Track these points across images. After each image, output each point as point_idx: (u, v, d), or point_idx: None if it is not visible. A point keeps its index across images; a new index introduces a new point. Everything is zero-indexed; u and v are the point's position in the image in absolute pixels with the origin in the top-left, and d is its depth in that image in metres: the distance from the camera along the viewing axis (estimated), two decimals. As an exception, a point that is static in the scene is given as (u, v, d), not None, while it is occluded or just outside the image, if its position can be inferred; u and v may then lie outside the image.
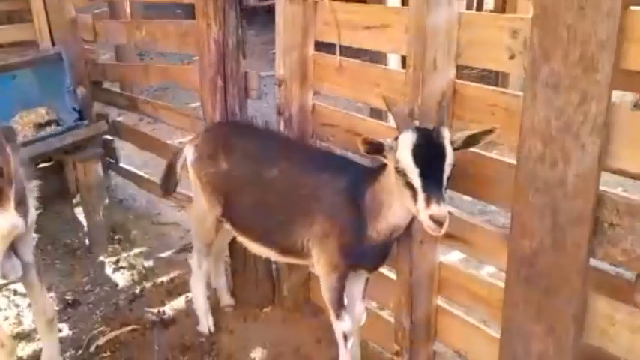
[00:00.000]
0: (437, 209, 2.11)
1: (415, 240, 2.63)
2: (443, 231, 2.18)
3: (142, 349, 3.32)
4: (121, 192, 5.48)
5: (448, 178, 2.23)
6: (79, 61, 4.70)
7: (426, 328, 2.85)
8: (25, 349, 3.31)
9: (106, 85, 5.20)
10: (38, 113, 4.70)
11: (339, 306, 2.79)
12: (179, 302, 3.75)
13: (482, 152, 2.47)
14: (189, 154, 3.18)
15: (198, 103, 3.59)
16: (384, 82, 2.81)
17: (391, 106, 2.33)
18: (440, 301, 2.84)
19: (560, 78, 1.70)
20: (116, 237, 4.62)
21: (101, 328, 3.48)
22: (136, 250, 4.43)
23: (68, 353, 3.28)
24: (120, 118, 5.59)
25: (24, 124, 4.62)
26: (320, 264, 2.77)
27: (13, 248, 2.68)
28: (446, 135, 2.23)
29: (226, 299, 3.67)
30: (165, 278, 4.03)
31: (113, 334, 3.43)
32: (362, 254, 2.67)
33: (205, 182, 3.09)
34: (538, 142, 1.79)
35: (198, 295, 3.44)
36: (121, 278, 4.05)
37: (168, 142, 4.76)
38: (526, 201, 1.86)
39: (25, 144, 3.95)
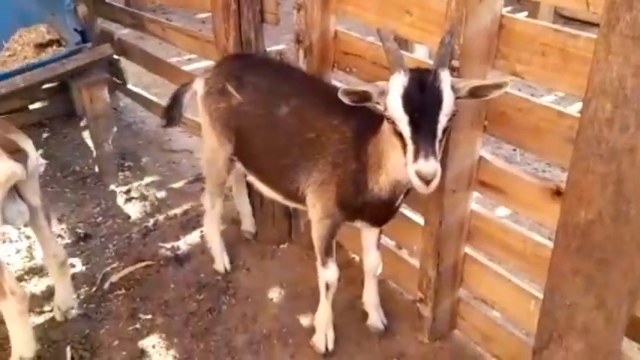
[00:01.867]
0: (424, 165, 1.90)
1: (447, 189, 2.44)
2: (430, 189, 1.98)
3: (157, 286, 3.24)
4: (129, 114, 5.27)
5: (445, 130, 1.99)
6: (78, -27, 4.33)
7: (452, 276, 2.73)
8: (39, 284, 3.25)
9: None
10: (38, 32, 4.41)
11: (327, 254, 2.66)
12: (193, 237, 3.64)
13: (530, 97, 2.22)
14: (199, 87, 2.94)
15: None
16: (417, 10, 2.51)
17: (384, 41, 2.04)
18: (468, 250, 2.71)
19: (645, 29, 1.43)
20: (126, 164, 4.46)
21: (114, 265, 3.39)
22: (148, 180, 4.28)
23: (82, 290, 3.21)
24: (124, 32, 5.24)
25: (24, 43, 4.36)
26: (314, 209, 2.60)
27: (18, 194, 2.53)
28: (445, 79, 1.97)
29: (248, 224, 3.54)
30: (178, 211, 3.90)
31: (127, 270, 3.34)
32: (361, 208, 2.48)
33: (215, 118, 2.88)
34: (608, 103, 1.53)
35: (212, 234, 3.32)
36: (133, 210, 3.93)
37: (173, 60, 4.48)
38: (586, 167, 1.64)
39: (25, 69, 3.70)
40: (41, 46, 4.28)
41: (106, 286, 3.24)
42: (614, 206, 1.63)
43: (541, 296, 2.38)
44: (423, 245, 2.65)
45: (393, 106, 1.96)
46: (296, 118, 2.61)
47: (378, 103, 2.09)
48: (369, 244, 2.78)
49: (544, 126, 2.15)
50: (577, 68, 1.97)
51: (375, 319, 2.91)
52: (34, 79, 3.64)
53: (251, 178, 2.93)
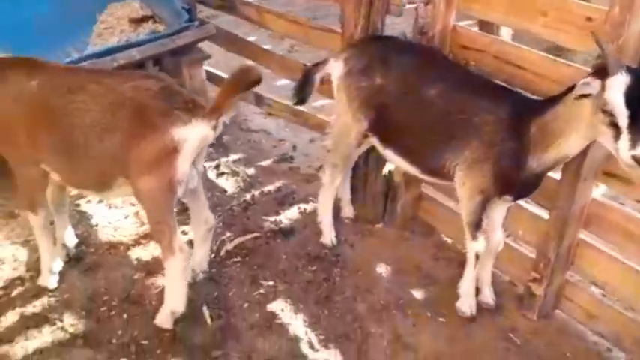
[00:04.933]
0: None
1: (581, 177, 2.67)
2: None
3: (269, 256, 3.42)
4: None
5: None
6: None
7: (565, 258, 2.96)
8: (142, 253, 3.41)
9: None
10: (132, 7, 4.56)
11: (476, 228, 2.90)
12: (292, 213, 3.82)
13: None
14: (336, 67, 3.13)
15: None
16: (553, 12, 2.71)
17: (604, 45, 2.28)
18: (581, 234, 2.94)
19: None
20: (208, 141, 4.60)
21: (226, 234, 3.56)
22: (233, 157, 4.43)
23: (202, 256, 3.37)
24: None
25: (119, 17, 4.49)
26: (464, 187, 2.84)
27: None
28: None
29: (348, 211, 3.74)
30: (271, 188, 4.06)
31: (239, 240, 3.51)
32: (514, 183, 2.74)
33: (354, 96, 3.08)
34: None
35: (325, 208, 3.50)
36: (227, 185, 4.09)
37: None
38: None
39: (133, 44, 3.80)
40: (137, 22, 4.42)
41: (223, 253, 3.41)
42: None
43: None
44: (546, 228, 2.88)
45: (616, 101, 2.24)
46: (444, 99, 2.82)
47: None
48: (496, 224, 3.00)
49: None
50: None
51: (487, 295, 3.14)
52: (147, 52, 3.77)
53: (385, 152, 3.13)
